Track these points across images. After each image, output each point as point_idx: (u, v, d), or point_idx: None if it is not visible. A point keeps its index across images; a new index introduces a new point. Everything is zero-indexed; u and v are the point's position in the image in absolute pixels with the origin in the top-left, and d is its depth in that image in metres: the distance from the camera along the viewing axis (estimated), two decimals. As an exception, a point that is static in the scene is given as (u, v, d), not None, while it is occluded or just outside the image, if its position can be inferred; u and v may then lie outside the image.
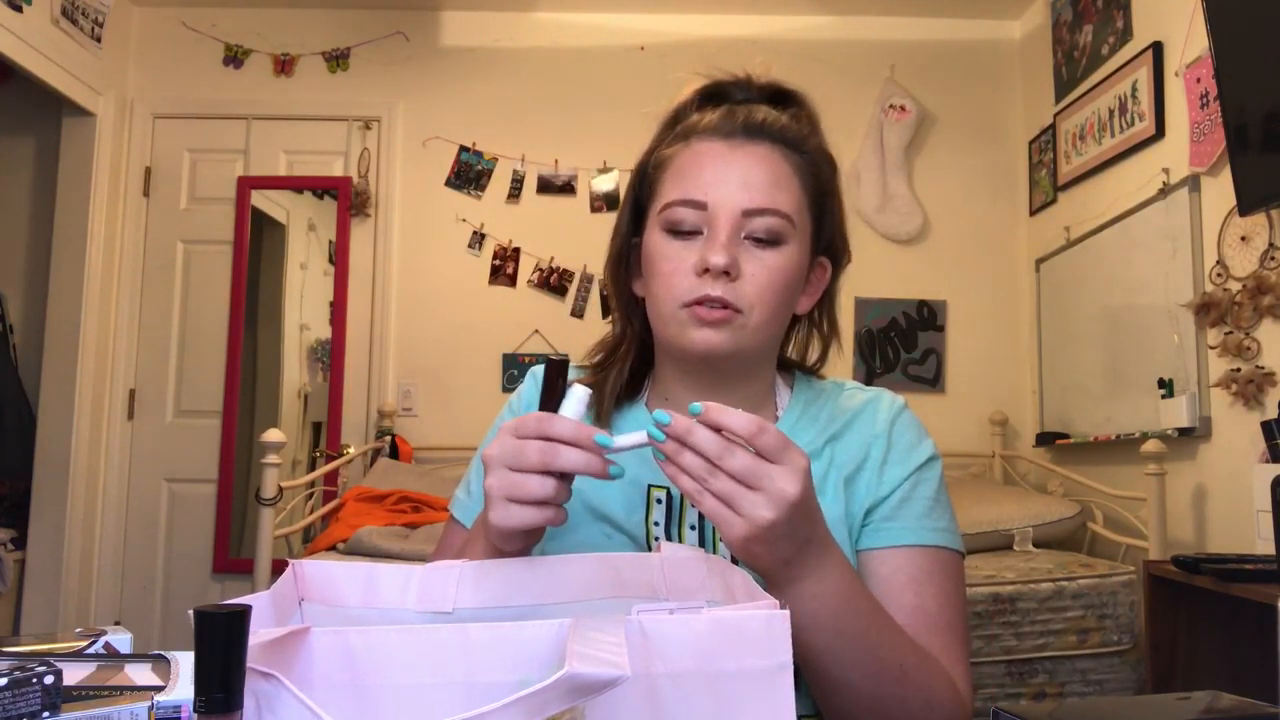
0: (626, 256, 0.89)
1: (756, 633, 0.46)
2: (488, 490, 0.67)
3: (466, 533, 0.85)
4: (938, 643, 0.78)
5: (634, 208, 0.89)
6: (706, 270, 0.78)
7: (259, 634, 0.42)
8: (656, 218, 0.84)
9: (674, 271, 0.80)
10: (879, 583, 0.80)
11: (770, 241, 0.80)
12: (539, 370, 0.92)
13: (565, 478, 0.68)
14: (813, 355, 0.93)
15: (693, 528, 0.82)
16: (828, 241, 0.89)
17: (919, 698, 0.73)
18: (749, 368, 0.86)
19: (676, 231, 0.82)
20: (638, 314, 0.89)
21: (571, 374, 0.92)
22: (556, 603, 0.66)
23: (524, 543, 0.70)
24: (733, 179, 0.80)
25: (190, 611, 0.41)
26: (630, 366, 0.90)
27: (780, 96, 0.89)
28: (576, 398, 0.69)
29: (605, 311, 3.40)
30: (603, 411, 0.87)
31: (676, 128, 0.88)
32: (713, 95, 0.89)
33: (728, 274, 0.78)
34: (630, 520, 0.83)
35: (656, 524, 0.83)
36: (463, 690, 0.45)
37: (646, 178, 0.88)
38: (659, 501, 0.83)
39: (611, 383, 0.89)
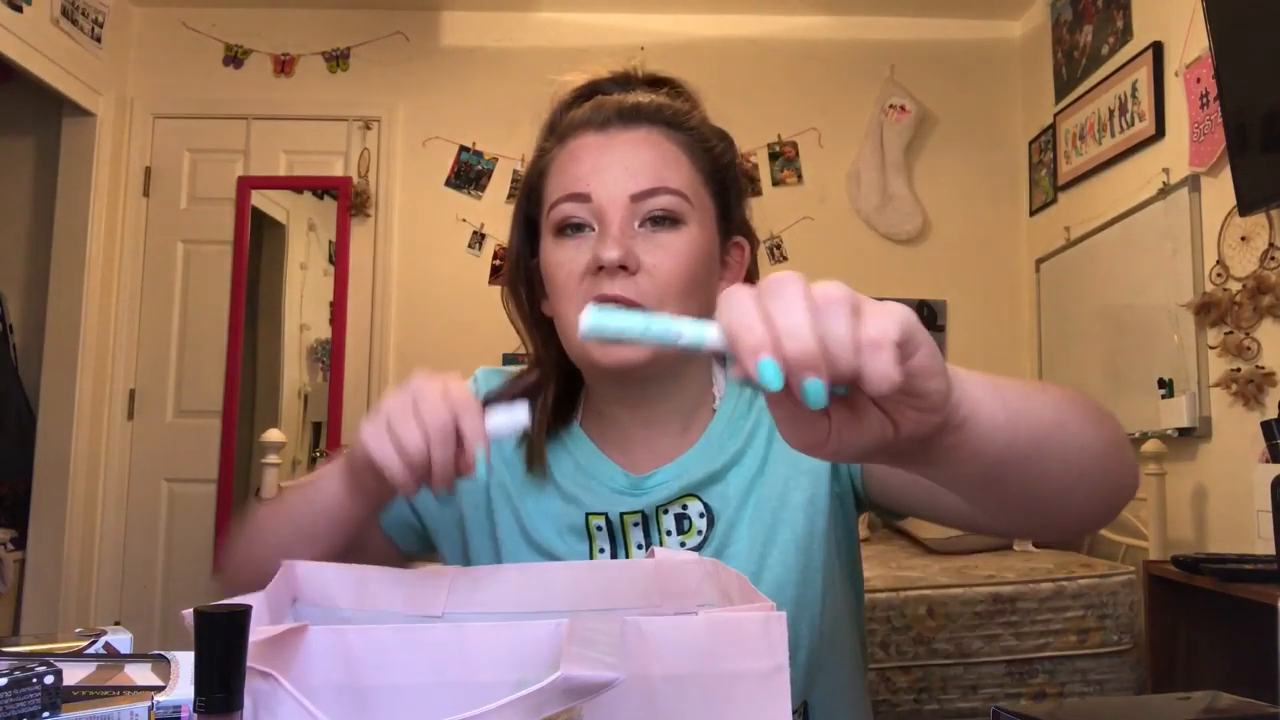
0: (528, 278, 0.83)
1: (753, 634, 0.46)
2: (382, 408, 0.61)
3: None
4: None
5: (526, 225, 0.83)
6: (601, 268, 0.72)
7: (255, 632, 0.42)
8: (547, 222, 0.78)
9: (568, 277, 0.74)
10: None
11: (668, 221, 0.75)
12: (481, 372, 0.89)
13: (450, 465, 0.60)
14: None
15: (640, 546, 0.78)
16: (740, 222, 0.84)
17: (1102, 437, 0.58)
18: (679, 368, 0.80)
19: (566, 231, 0.76)
20: (553, 338, 0.82)
21: (499, 383, 0.87)
22: (548, 610, 0.65)
23: (373, 483, 0.64)
24: (615, 165, 0.75)
25: (185, 612, 0.41)
26: (555, 393, 0.82)
27: (659, 85, 0.85)
28: (513, 414, 0.62)
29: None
30: (534, 453, 0.82)
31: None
32: (589, 95, 0.84)
33: (625, 268, 0.72)
34: (572, 553, 0.79)
35: (602, 551, 0.79)
36: (460, 690, 0.45)
37: (532, 190, 0.82)
38: (599, 529, 0.79)
39: (537, 422, 0.81)
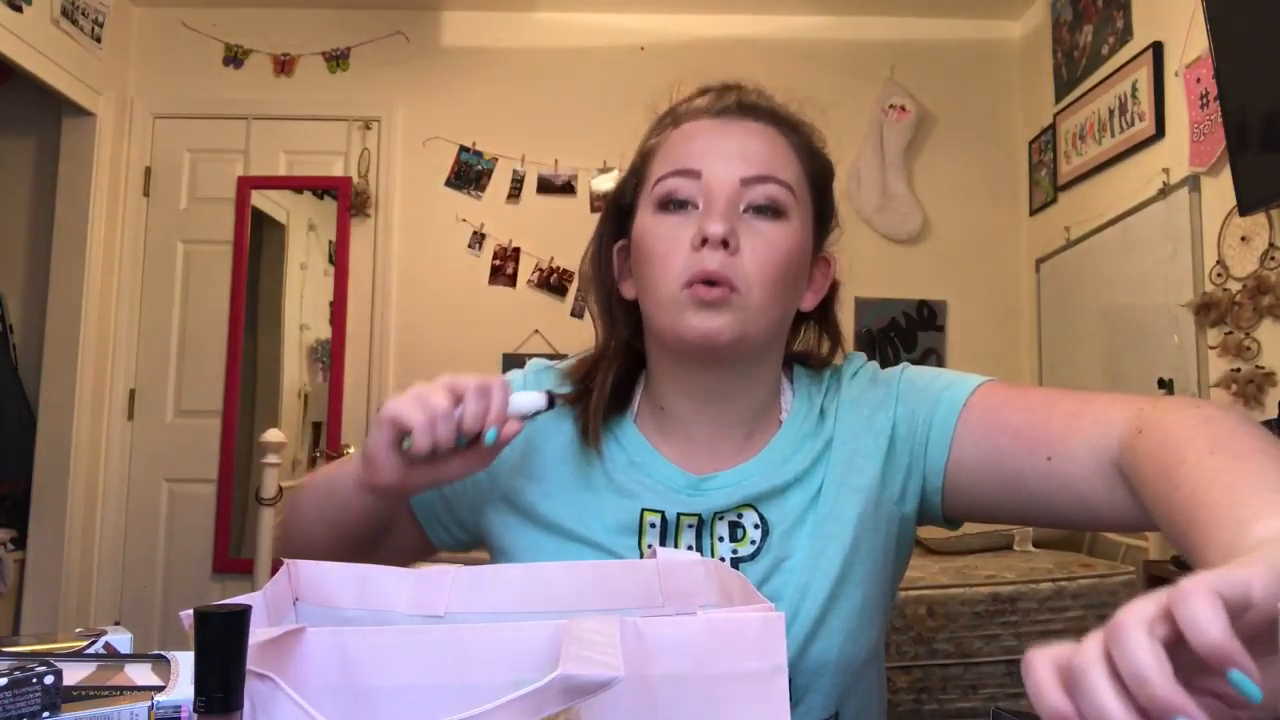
0: (609, 259, 0.85)
1: (752, 635, 0.46)
2: (411, 390, 0.69)
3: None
4: (1085, 408, 0.70)
5: (618, 206, 0.85)
6: (704, 243, 0.73)
7: (254, 634, 0.42)
8: (649, 197, 0.79)
9: (669, 250, 0.75)
10: (986, 440, 0.75)
11: (771, 211, 0.75)
12: (532, 366, 0.90)
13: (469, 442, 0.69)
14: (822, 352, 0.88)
15: (690, 547, 0.79)
16: (827, 235, 0.85)
17: None
18: (751, 366, 0.80)
19: (670, 206, 0.77)
20: (623, 318, 0.84)
21: (550, 380, 0.88)
22: (550, 610, 0.65)
23: (388, 472, 0.70)
24: (729, 149, 0.76)
25: (182, 614, 0.41)
26: (616, 377, 0.83)
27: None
28: (531, 397, 0.70)
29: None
30: (589, 429, 0.82)
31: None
32: (715, 90, 0.85)
33: (726, 245, 0.73)
34: (620, 542, 0.79)
35: (650, 546, 0.79)
36: (458, 691, 0.45)
37: (635, 171, 0.84)
38: (652, 525, 0.79)
39: (595, 398, 0.82)
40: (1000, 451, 0.74)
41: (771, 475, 0.79)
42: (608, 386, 0.83)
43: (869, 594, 0.78)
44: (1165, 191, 2.53)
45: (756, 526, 0.78)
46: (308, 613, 0.61)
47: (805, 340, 0.89)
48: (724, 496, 0.79)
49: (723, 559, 0.77)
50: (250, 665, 0.40)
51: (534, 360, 0.92)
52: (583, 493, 0.82)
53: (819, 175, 0.82)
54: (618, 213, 0.85)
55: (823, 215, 0.83)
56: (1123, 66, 2.77)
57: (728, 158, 0.76)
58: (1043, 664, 0.38)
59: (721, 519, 0.79)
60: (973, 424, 0.77)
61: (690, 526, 0.79)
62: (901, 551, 0.83)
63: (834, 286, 0.87)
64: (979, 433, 0.76)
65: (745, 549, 0.78)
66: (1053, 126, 3.24)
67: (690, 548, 0.79)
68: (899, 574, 0.85)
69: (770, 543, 0.78)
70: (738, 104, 0.79)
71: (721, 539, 0.78)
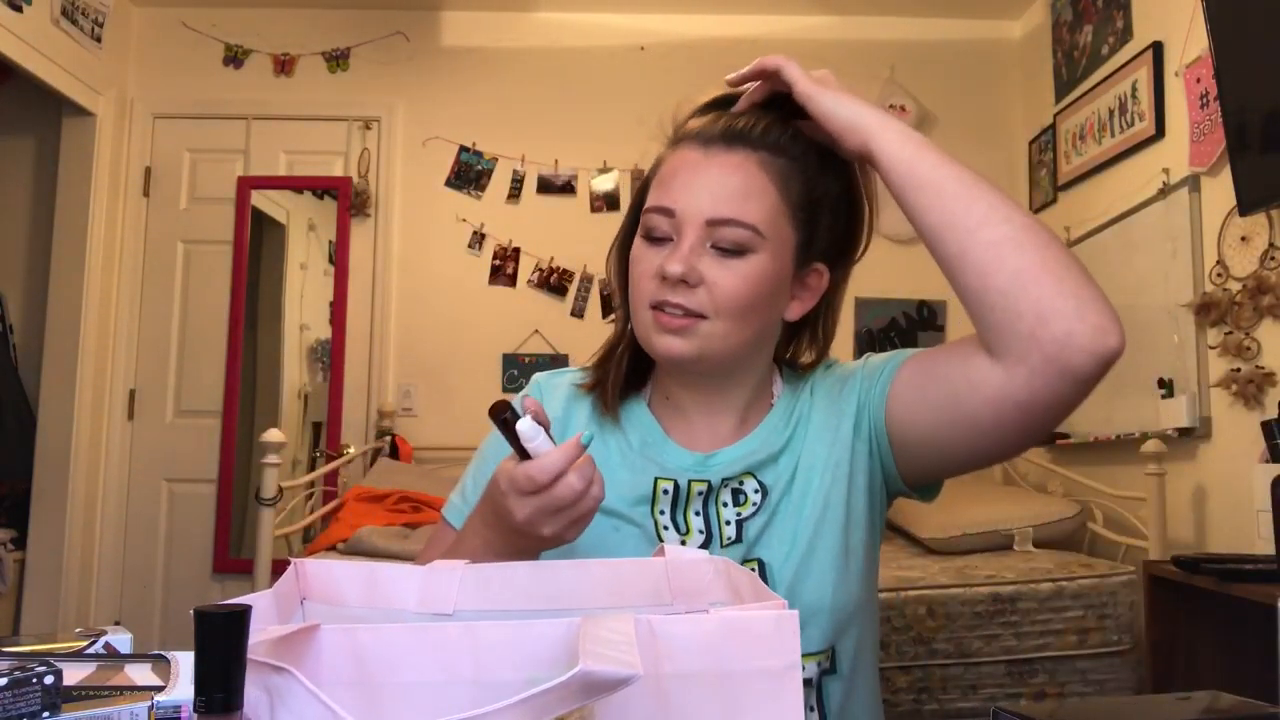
0: (625, 256, 0.91)
1: (765, 633, 0.46)
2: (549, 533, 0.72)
3: (456, 534, 0.88)
4: None
5: (635, 208, 0.92)
6: (665, 277, 0.81)
7: (270, 630, 0.42)
8: (641, 223, 0.87)
9: (643, 275, 0.84)
10: (918, 374, 0.86)
11: (735, 251, 0.82)
12: (540, 378, 0.97)
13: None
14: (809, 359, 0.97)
15: (697, 513, 0.87)
16: (824, 247, 0.89)
17: (1066, 255, 0.76)
18: (734, 371, 0.89)
19: (651, 237, 0.85)
20: None
21: (570, 375, 0.97)
22: (558, 609, 0.65)
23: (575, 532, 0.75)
24: (702, 188, 0.82)
25: (194, 611, 0.41)
26: (629, 362, 0.92)
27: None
28: (528, 430, 0.70)
29: (605, 311, 3.41)
30: (607, 402, 0.91)
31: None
32: (718, 104, 0.91)
33: (685, 282, 0.81)
34: (635, 510, 0.87)
35: (662, 512, 0.87)
36: (471, 688, 0.45)
37: (645, 180, 0.92)
38: (665, 493, 0.87)
39: (611, 377, 0.91)
40: (928, 376, 0.84)
41: (768, 445, 0.90)
42: (623, 368, 0.92)
43: (846, 540, 0.86)
44: (1165, 191, 2.53)
45: (757, 491, 0.88)
46: (315, 612, 0.61)
47: (799, 345, 0.96)
48: (728, 469, 0.88)
49: (728, 521, 0.87)
50: (266, 658, 0.40)
51: (536, 375, 0.99)
52: (600, 468, 0.85)
53: (810, 198, 0.86)
54: (636, 211, 0.92)
55: (811, 235, 0.87)
56: (1123, 66, 2.77)
57: (699, 197, 0.82)
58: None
59: (726, 485, 0.88)
60: (909, 368, 0.87)
61: (700, 493, 0.88)
62: (874, 503, 0.90)
63: (835, 290, 0.93)
64: (910, 371, 0.87)
65: (748, 510, 0.88)
66: (1053, 126, 3.24)
67: (698, 514, 0.87)
68: (876, 527, 0.92)
69: (769, 501, 0.88)
70: (723, 133, 0.84)
71: (726, 504, 0.88)
